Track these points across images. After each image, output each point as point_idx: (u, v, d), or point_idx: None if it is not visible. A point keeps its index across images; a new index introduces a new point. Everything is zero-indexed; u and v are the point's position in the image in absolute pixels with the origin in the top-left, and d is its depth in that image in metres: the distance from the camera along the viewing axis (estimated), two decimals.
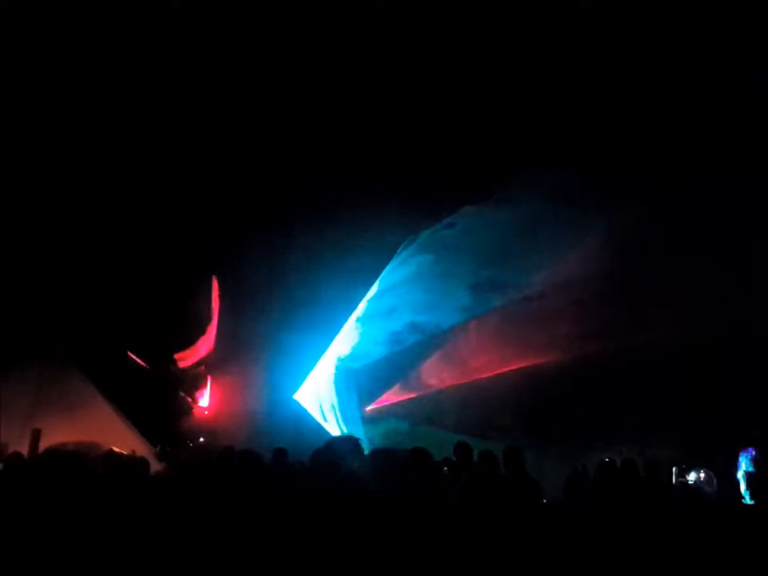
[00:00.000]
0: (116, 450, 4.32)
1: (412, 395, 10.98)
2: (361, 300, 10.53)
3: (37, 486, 3.45)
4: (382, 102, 9.02)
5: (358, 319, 10.84)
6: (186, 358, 9.98)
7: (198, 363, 10.10)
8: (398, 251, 10.22)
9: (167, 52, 8.58)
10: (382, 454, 3.09)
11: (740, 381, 8.28)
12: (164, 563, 3.05)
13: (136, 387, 9.01)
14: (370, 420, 10.69)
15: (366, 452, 3.54)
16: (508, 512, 3.64)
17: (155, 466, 4.86)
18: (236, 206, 9.53)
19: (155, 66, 8.72)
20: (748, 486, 4.03)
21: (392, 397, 10.99)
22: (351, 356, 11.10)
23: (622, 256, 9.35)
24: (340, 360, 11.06)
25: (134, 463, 4.25)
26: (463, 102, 8.98)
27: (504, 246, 10.04)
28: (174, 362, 9.78)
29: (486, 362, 10.54)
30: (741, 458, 4.11)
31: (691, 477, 4.21)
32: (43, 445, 6.67)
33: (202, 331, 10.01)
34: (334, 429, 10.42)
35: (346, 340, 10.87)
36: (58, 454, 3.94)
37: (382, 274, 10.35)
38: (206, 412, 10.44)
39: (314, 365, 10.62)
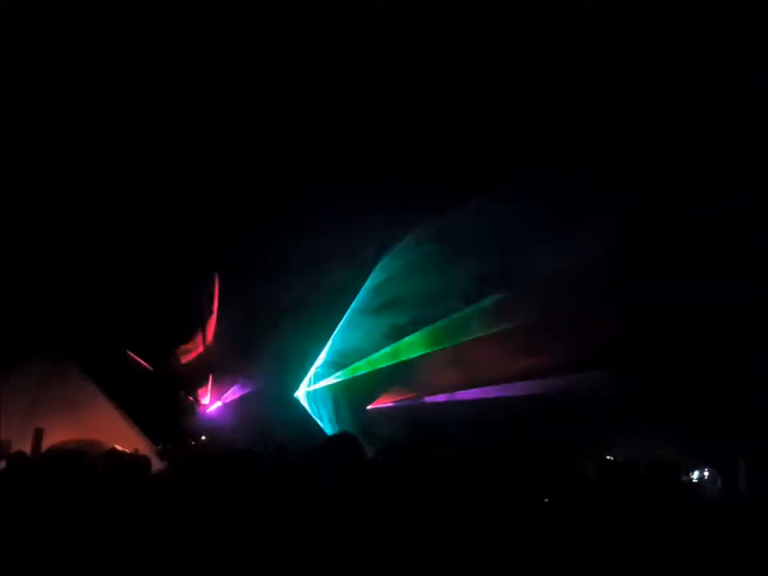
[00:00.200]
0: (118, 448, 4.32)
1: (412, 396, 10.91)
2: (360, 295, 10.48)
3: (40, 485, 3.46)
4: (381, 102, 9.04)
5: (357, 314, 10.78)
6: (187, 356, 9.99)
7: (200, 362, 10.11)
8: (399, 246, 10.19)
9: (167, 52, 8.58)
10: (391, 452, 3.08)
11: (740, 381, 8.28)
12: (167, 561, 3.05)
13: (137, 386, 9.01)
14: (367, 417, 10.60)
15: (363, 450, 3.53)
16: (510, 511, 3.64)
17: (157, 465, 4.88)
18: (237, 205, 9.56)
19: (155, 66, 8.72)
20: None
21: (390, 398, 10.92)
22: (349, 353, 11.04)
23: (622, 256, 9.34)
24: (338, 357, 11.00)
25: (136, 462, 4.25)
26: (463, 101, 9.00)
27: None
28: (176, 360, 9.79)
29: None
30: None
31: (695, 475, 4.21)
32: (44, 444, 6.68)
33: (202, 329, 10.02)
34: (333, 427, 10.41)
35: (344, 336, 10.82)
36: (61, 453, 3.95)
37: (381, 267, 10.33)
38: (208, 410, 10.46)
39: (313, 362, 10.62)
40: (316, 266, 9.73)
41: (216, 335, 10.12)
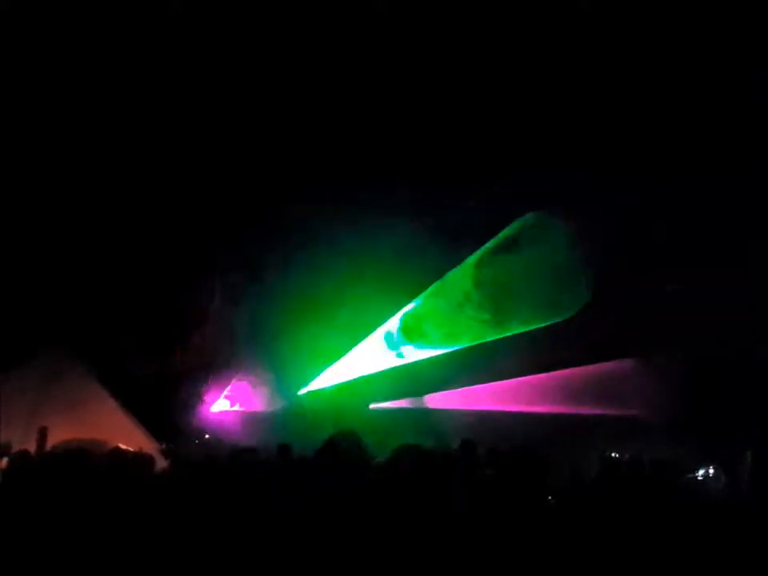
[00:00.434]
0: (122, 446, 4.32)
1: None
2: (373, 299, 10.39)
3: (43, 484, 3.46)
4: (381, 101, 9.04)
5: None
6: (189, 354, 9.98)
7: (203, 360, 10.10)
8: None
9: (167, 52, 8.58)
10: (407, 452, 3.05)
11: (740, 381, 8.30)
12: (169, 560, 3.05)
13: (141, 384, 9.00)
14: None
15: (368, 449, 3.52)
16: (512, 510, 3.64)
17: (161, 463, 4.88)
18: (237, 204, 9.56)
19: (155, 66, 8.72)
20: None
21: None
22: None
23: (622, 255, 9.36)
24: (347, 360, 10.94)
25: (139, 460, 4.26)
26: (462, 101, 9.01)
27: None
28: (179, 359, 9.79)
29: None
30: None
31: (700, 473, 4.22)
32: (48, 443, 6.67)
33: (204, 328, 10.01)
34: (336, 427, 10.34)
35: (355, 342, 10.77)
36: (64, 452, 3.95)
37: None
38: (211, 409, 10.45)
39: (320, 363, 10.60)
40: (327, 264, 9.69)
41: (219, 334, 10.10)
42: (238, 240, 9.96)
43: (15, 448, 5.60)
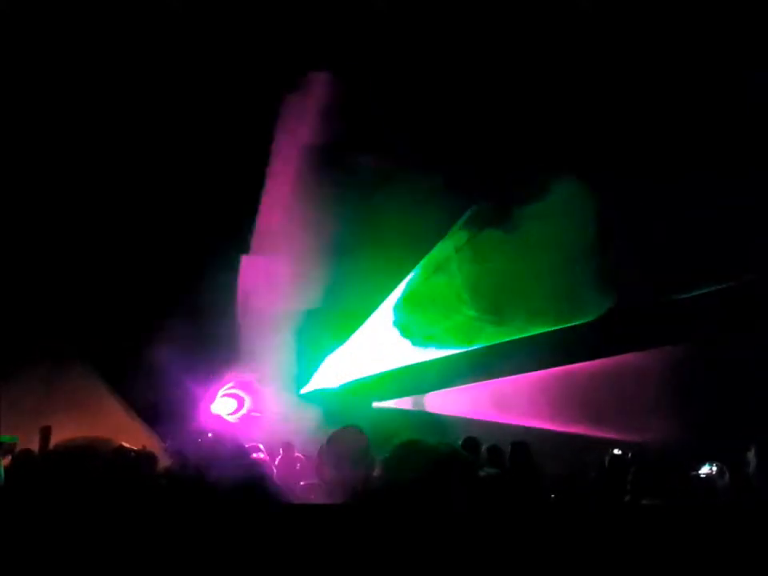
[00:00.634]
0: (126, 445, 4.32)
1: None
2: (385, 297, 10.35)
3: (46, 482, 3.45)
4: (381, 102, 9.06)
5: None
6: (192, 354, 9.97)
7: (205, 359, 10.09)
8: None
9: (167, 52, 8.59)
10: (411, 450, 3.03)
11: (740, 380, 8.30)
12: (172, 559, 3.04)
13: (144, 383, 9.00)
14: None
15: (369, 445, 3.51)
16: (514, 508, 3.64)
17: (164, 462, 4.87)
18: (237, 204, 9.58)
19: (155, 66, 8.73)
20: None
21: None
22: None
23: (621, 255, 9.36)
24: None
25: (143, 458, 4.26)
26: (462, 101, 9.02)
27: None
28: (181, 357, 9.77)
29: None
30: None
31: (704, 470, 4.22)
32: (52, 442, 6.67)
33: (206, 327, 10.00)
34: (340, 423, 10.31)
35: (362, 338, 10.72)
36: (67, 450, 3.94)
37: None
38: (214, 408, 10.45)
39: (322, 360, 10.61)
40: (338, 260, 9.69)
41: (220, 332, 10.10)
42: (238, 241, 10.00)
43: (21, 447, 5.61)
